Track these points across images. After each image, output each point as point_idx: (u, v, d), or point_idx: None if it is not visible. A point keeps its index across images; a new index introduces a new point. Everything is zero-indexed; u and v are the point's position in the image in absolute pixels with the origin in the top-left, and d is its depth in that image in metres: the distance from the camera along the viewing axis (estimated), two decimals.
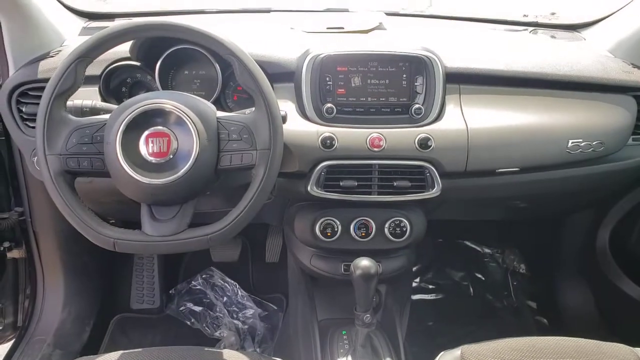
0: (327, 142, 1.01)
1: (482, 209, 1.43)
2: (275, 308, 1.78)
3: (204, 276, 1.84)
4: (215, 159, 0.86)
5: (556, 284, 1.62)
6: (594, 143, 1.09)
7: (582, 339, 0.97)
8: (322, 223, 1.13)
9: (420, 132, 1.04)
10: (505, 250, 1.91)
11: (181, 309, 1.76)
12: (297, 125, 1.04)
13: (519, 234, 1.84)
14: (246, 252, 1.89)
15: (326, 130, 1.03)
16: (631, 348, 0.95)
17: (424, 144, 1.03)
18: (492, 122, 1.08)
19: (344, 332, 1.17)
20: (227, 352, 0.93)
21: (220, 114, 0.89)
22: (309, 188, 1.05)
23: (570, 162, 1.10)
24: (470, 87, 1.11)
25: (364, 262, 0.99)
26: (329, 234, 1.13)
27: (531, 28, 1.52)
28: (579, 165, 1.12)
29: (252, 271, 1.89)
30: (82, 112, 0.97)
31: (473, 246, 1.99)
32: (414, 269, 1.90)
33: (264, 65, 0.97)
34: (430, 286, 1.89)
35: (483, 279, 1.91)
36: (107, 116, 0.87)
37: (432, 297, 1.85)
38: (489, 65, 1.11)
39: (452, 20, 1.57)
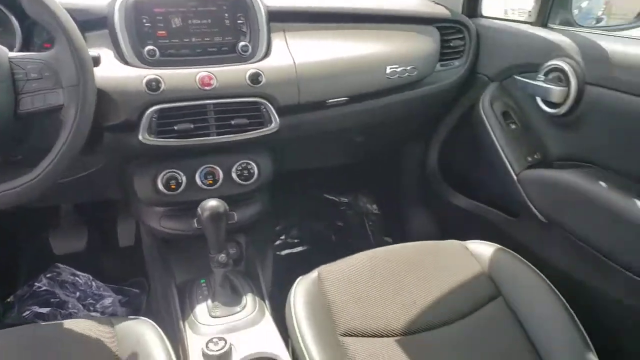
0: (153, 85, 0.96)
1: (325, 150, 1.50)
2: (137, 291, 1.66)
3: (48, 275, 1.62)
4: (13, 103, 0.75)
5: (403, 214, 1.78)
6: (408, 68, 1.22)
7: (424, 241, 1.10)
8: (164, 176, 1.07)
9: (250, 68, 1.04)
10: (358, 195, 2.04)
11: (24, 314, 1.54)
12: (118, 72, 0.97)
13: (367, 177, 1.97)
14: (95, 241, 1.73)
15: (150, 73, 0.97)
16: (462, 242, 1.10)
17: (254, 79, 1.03)
18: (317, 55, 1.13)
19: (202, 281, 1.14)
20: (66, 323, 0.84)
21: (13, 54, 0.78)
22: (140, 137, 0.98)
23: (390, 87, 1.21)
24: (295, 25, 1.15)
25: (211, 203, 0.97)
26: (173, 187, 1.08)
27: None
28: (399, 91, 1.24)
29: (105, 260, 1.74)
30: None
31: (331, 197, 2.08)
32: (278, 228, 1.93)
33: (73, 13, 0.87)
34: (295, 240, 1.94)
35: (342, 225, 2.01)
36: None
37: (297, 250, 1.90)
38: (308, 3, 1.17)
39: None
